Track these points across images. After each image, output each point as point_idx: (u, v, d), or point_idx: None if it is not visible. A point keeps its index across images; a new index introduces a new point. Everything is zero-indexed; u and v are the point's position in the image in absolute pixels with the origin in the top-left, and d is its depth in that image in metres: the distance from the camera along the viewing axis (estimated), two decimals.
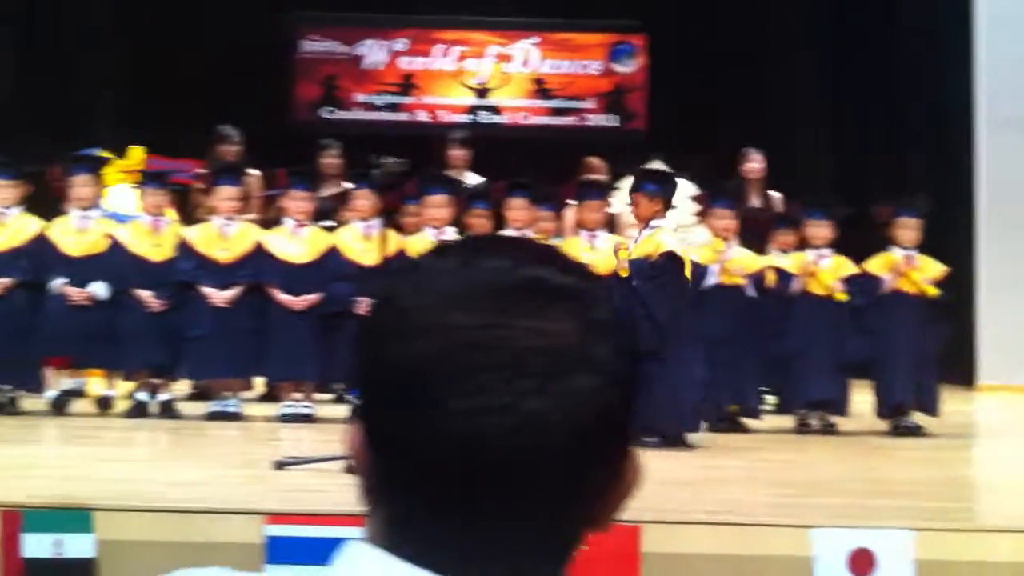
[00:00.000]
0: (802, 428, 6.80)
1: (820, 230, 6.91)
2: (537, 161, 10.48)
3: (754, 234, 7.29)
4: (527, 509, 0.75)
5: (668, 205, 6.78)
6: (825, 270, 6.86)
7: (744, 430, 6.70)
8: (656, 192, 6.62)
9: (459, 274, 0.77)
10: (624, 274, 6.02)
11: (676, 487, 4.50)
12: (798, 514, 4.11)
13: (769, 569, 3.85)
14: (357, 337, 0.80)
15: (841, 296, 6.79)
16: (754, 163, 8.08)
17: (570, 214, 7.61)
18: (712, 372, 6.60)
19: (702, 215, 7.12)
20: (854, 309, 6.81)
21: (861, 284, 6.85)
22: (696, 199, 7.36)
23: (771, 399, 7.41)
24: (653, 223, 6.25)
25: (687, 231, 8.57)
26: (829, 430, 6.76)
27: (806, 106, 10.94)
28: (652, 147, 10.41)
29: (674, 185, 6.58)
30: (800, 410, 6.88)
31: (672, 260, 6.04)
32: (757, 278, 6.84)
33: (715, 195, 7.11)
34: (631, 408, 0.79)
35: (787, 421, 6.95)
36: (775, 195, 8.14)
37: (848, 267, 6.90)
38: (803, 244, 7.01)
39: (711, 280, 6.77)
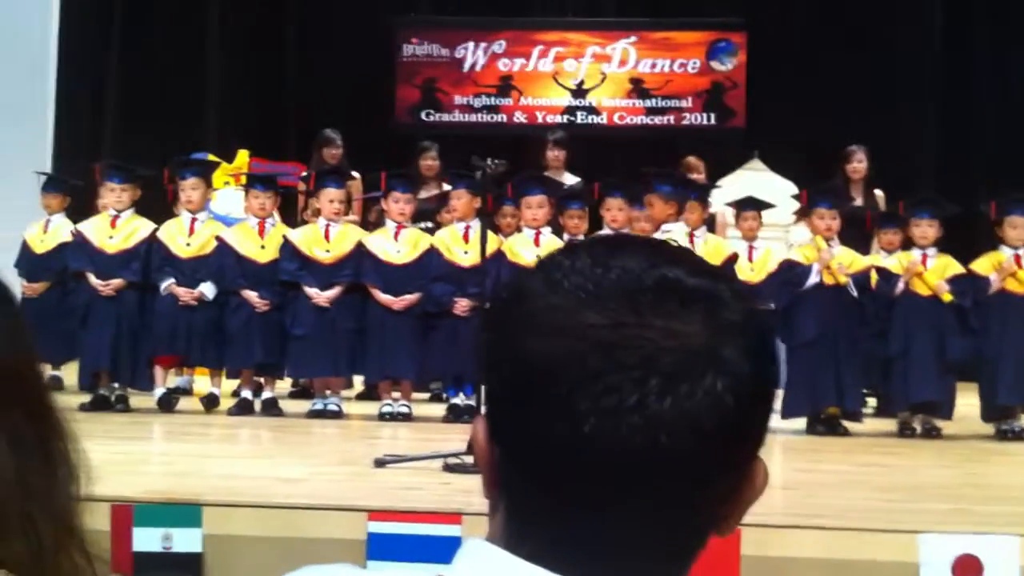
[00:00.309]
0: (905, 431, 6.65)
1: (926, 229, 6.76)
2: (635, 161, 10.45)
3: (858, 233, 7.17)
4: (651, 511, 0.75)
5: (682, 208, 6.75)
6: (930, 270, 6.70)
7: (845, 433, 6.58)
8: (671, 194, 6.58)
9: (592, 273, 0.76)
10: None
11: (776, 490, 4.45)
12: (901, 519, 4.04)
13: (873, 574, 3.78)
14: (485, 331, 0.80)
15: (947, 296, 6.63)
16: (858, 162, 7.93)
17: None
18: (813, 374, 6.53)
19: (802, 214, 7.01)
20: (960, 310, 6.64)
21: (967, 284, 6.67)
22: (796, 198, 7.24)
23: (872, 401, 7.27)
24: (665, 227, 6.20)
25: (787, 230, 8.48)
26: (932, 433, 6.60)
27: (911, 102, 10.70)
28: (751, 145, 10.33)
29: (691, 187, 6.54)
30: (903, 413, 6.74)
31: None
32: (860, 278, 6.71)
33: (816, 194, 6.99)
34: (762, 413, 0.78)
35: (889, 424, 6.81)
36: (879, 194, 7.98)
37: (954, 267, 6.73)
38: (908, 244, 6.86)
39: (812, 280, 6.67)
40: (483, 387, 0.81)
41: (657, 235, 6.14)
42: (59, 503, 0.90)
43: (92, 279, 6.85)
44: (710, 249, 6.70)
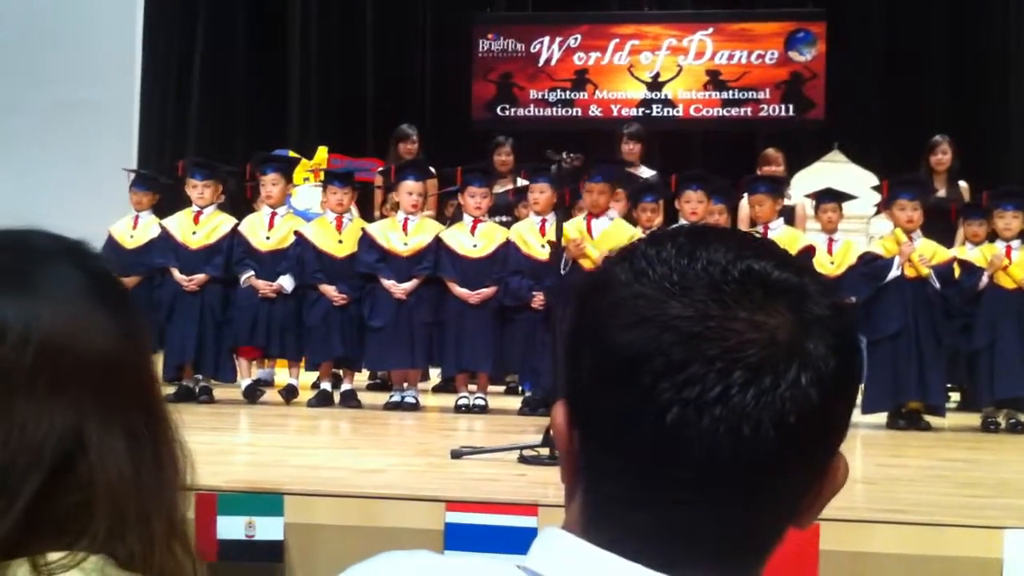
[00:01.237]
0: (988, 426, 6.52)
1: (1010, 221, 6.61)
2: (712, 153, 10.37)
3: (943, 226, 7.04)
4: (731, 502, 0.75)
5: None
6: (1016, 263, 6.56)
7: (927, 428, 6.47)
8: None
9: (677, 264, 0.77)
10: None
11: (857, 484, 4.39)
12: (984, 515, 3.96)
13: (955, 570, 3.72)
14: (572, 317, 0.81)
15: None
16: (942, 153, 7.78)
17: (745, 207, 7.52)
18: (895, 368, 6.43)
19: (884, 206, 6.90)
20: None
21: None
22: (877, 189, 7.13)
23: (955, 396, 7.14)
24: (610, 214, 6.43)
25: (867, 222, 8.36)
26: (1018, 428, 6.46)
27: (997, 92, 10.45)
28: (831, 137, 10.19)
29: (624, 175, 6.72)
30: (987, 408, 6.61)
31: None
32: (942, 270, 6.59)
33: (897, 185, 6.87)
34: (845, 408, 0.78)
35: (973, 419, 6.67)
36: (963, 185, 7.82)
37: None
38: (993, 236, 6.72)
39: (894, 273, 6.57)
40: (565, 372, 0.81)
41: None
42: (168, 501, 0.93)
43: (176, 274, 7.00)
44: (783, 243, 6.62)
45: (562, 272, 6.16)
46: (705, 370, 0.73)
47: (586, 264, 6.47)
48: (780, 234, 6.84)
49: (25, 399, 0.87)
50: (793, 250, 5.66)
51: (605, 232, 6.69)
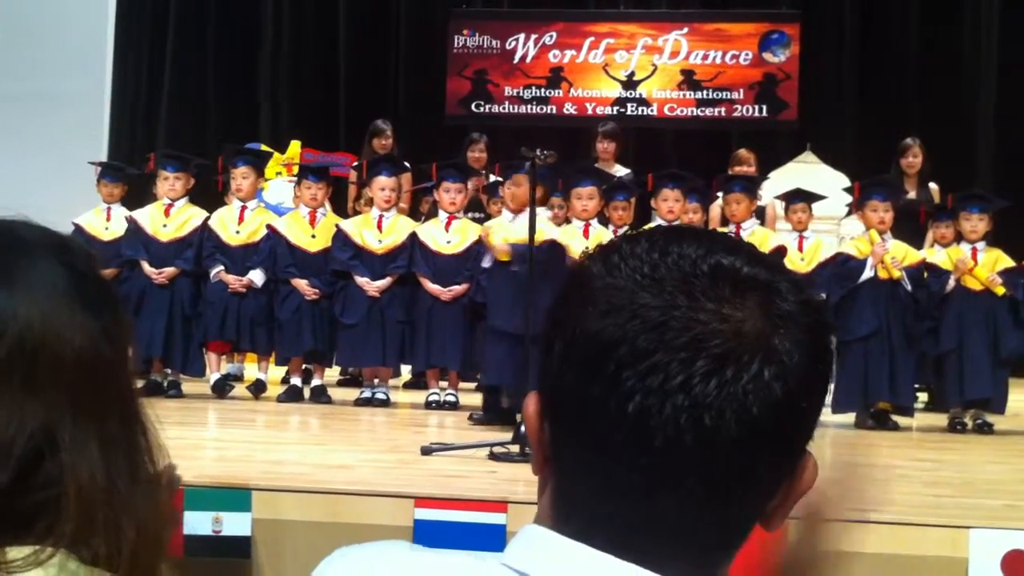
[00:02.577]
0: (956, 427, 6.57)
1: (975, 223, 6.67)
2: (686, 152, 10.40)
3: (913, 227, 7.09)
4: (692, 494, 0.75)
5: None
6: (980, 264, 6.61)
7: (895, 428, 6.52)
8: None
9: (649, 257, 0.78)
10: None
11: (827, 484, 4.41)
12: (951, 514, 3.99)
13: (921, 569, 3.75)
14: (548, 310, 0.82)
15: (999, 290, 6.54)
16: (913, 156, 7.84)
17: (717, 207, 7.54)
18: (866, 368, 6.47)
19: (855, 207, 6.94)
20: (1013, 303, 6.56)
21: (1019, 278, 6.58)
22: (849, 191, 7.17)
23: (922, 396, 7.19)
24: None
25: (839, 223, 8.40)
26: (984, 429, 6.52)
27: (968, 95, 10.55)
28: (804, 138, 10.24)
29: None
30: (955, 408, 6.66)
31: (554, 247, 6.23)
32: (914, 272, 6.64)
33: (870, 186, 6.90)
34: (812, 406, 0.78)
35: (940, 419, 6.73)
36: (933, 187, 7.88)
37: (1004, 260, 6.65)
38: (960, 238, 6.78)
39: (867, 274, 6.61)
40: (539, 363, 0.82)
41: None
42: (141, 506, 0.91)
43: (146, 267, 6.94)
44: (756, 242, 6.66)
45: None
46: (669, 359, 0.73)
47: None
48: (752, 234, 6.87)
49: None
50: (765, 250, 5.69)
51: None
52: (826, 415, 6.32)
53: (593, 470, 0.77)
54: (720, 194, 7.28)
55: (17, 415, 0.86)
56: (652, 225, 6.93)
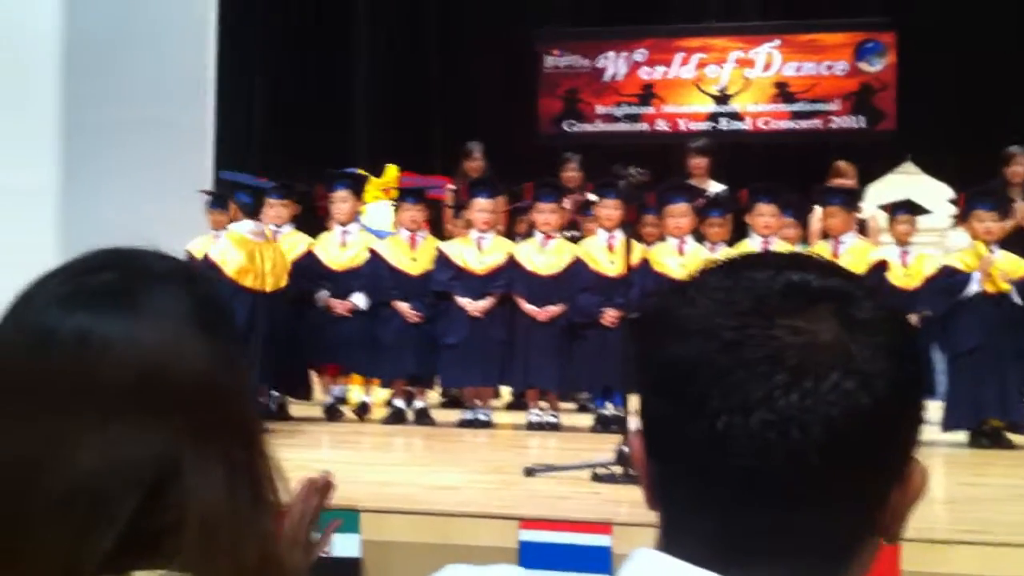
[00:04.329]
0: None
1: None
2: (781, 166, 10.27)
3: (1019, 239, 6.91)
4: (789, 507, 0.75)
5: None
6: None
7: (1010, 446, 6.33)
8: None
9: (723, 286, 0.80)
10: None
11: (938, 504, 4.33)
12: None
13: None
14: (636, 346, 0.85)
15: None
16: (1018, 164, 7.64)
17: (816, 220, 7.44)
18: (975, 385, 6.30)
19: (960, 219, 6.77)
20: None
21: None
22: (953, 202, 7.01)
23: None
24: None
25: (943, 235, 8.22)
26: None
27: None
28: (903, 148, 10.04)
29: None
30: None
31: None
32: (1023, 285, 6.45)
33: (976, 195, 6.72)
34: (906, 414, 0.78)
35: None
36: None
37: None
38: None
39: (973, 288, 6.43)
40: (636, 402, 0.84)
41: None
42: (263, 532, 0.92)
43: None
44: (855, 256, 6.55)
45: None
46: (747, 375, 0.75)
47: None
48: (852, 247, 6.76)
49: (122, 420, 0.88)
50: (865, 263, 5.62)
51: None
52: (938, 434, 6.17)
53: (693, 494, 0.78)
54: (817, 207, 7.18)
55: (143, 439, 0.88)
56: (747, 241, 6.89)
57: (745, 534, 0.76)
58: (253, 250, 6.66)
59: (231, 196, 7.09)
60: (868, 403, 0.74)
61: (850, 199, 7.07)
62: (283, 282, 6.79)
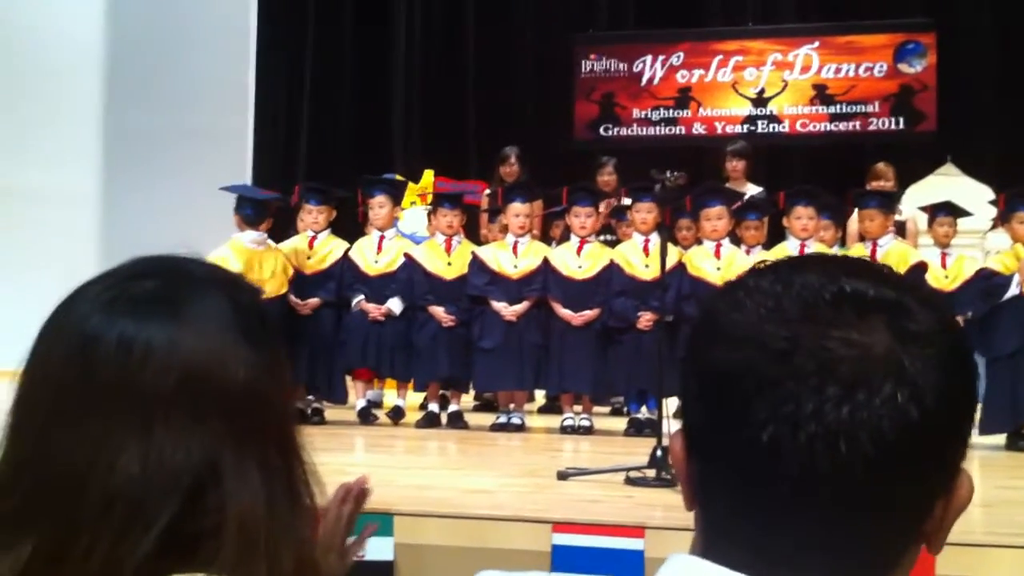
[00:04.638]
0: None
1: None
2: (819, 169, 10.21)
3: None
4: (834, 518, 0.75)
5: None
6: None
7: None
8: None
9: (773, 290, 0.79)
10: None
11: (975, 508, 4.27)
12: None
13: None
14: (684, 350, 0.84)
15: None
16: None
17: (853, 223, 7.38)
18: (1013, 388, 6.23)
19: (1000, 220, 6.69)
20: None
21: None
22: (993, 203, 6.92)
23: None
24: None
25: (983, 237, 8.12)
26: None
27: None
28: (944, 149, 9.94)
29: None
30: None
31: None
32: None
33: (1016, 197, 6.63)
34: (956, 427, 0.77)
35: None
36: None
37: None
38: None
39: (1013, 291, 6.36)
40: (679, 404, 0.85)
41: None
42: (300, 536, 0.94)
43: (292, 298, 7.13)
44: (893, 259, 6.49)
45: None
46: (799, 387, 0.74)
47: None
48: (890, 249, 6.70)
49: (164, 426, 0.89)
50: (904, 265, 5.56)
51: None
52: (975, 437, 6.08)
53: (734, 501, 0.78)
54: (856, 209, 7.12)
55: (184, 444, 0.89)
56: (784, 244, 6.84)
57: (788, 541, 0.76)
58: (252, 258, 6.88)
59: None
60: (917, 416, 0.74)
61: (887, 202, 7.01)
62: (283, 289, 6.97)
